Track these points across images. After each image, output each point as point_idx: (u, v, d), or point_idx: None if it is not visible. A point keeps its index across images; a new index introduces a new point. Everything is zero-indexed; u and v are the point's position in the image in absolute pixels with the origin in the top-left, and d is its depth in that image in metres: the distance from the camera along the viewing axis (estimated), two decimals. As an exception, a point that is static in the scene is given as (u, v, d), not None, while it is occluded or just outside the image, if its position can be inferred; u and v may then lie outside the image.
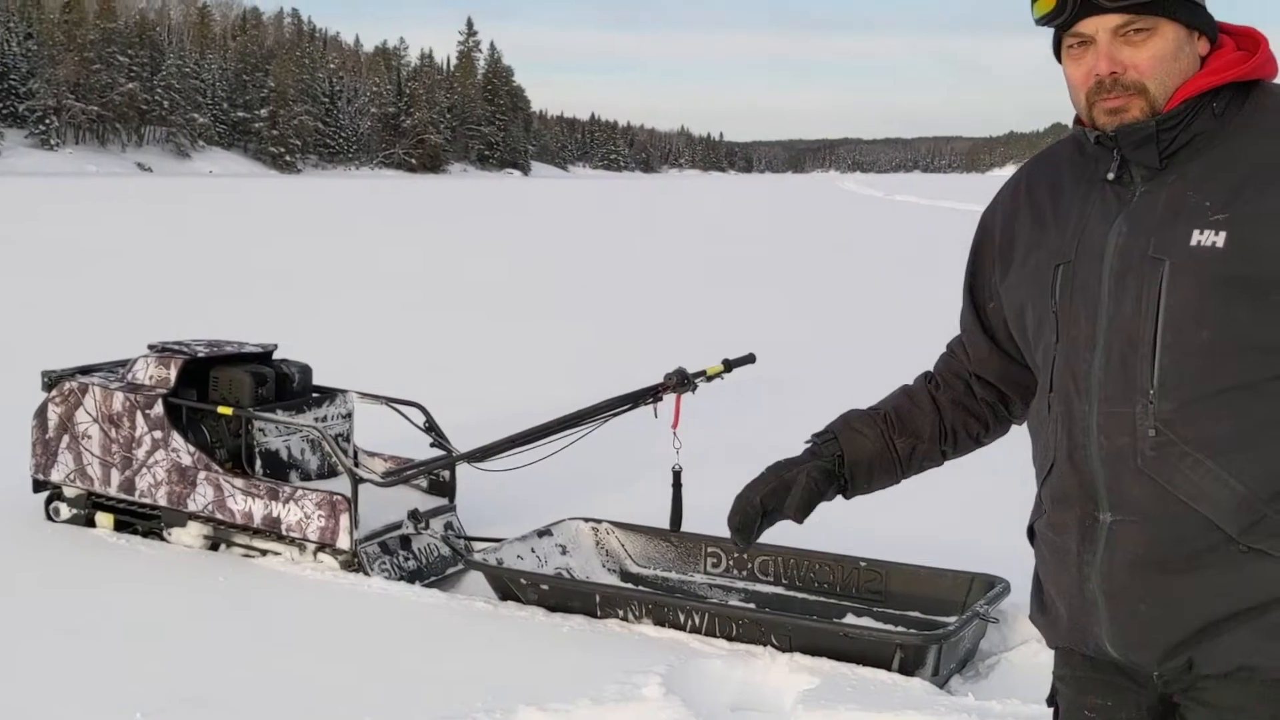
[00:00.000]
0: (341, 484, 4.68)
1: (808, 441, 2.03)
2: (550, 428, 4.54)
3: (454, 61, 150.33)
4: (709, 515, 4.67)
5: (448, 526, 4.85)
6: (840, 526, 5.12)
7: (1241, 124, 1.64)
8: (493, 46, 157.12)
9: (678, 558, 4.67)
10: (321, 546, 4.57)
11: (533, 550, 4.55)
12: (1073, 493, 1.71)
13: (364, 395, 5.21)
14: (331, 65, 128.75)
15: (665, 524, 4.38)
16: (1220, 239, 1.58)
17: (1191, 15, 1.63)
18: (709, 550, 4.62)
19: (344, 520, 4.50)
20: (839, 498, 2.00)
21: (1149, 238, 1.63)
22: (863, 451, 1.98)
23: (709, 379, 4.56)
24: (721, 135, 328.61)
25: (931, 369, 2.05)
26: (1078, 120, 1.73)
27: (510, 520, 5.00)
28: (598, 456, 5.25)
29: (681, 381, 4.42)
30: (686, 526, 4.40)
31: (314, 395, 5.06)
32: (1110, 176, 1.68)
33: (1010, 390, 1.95)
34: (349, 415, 5.13)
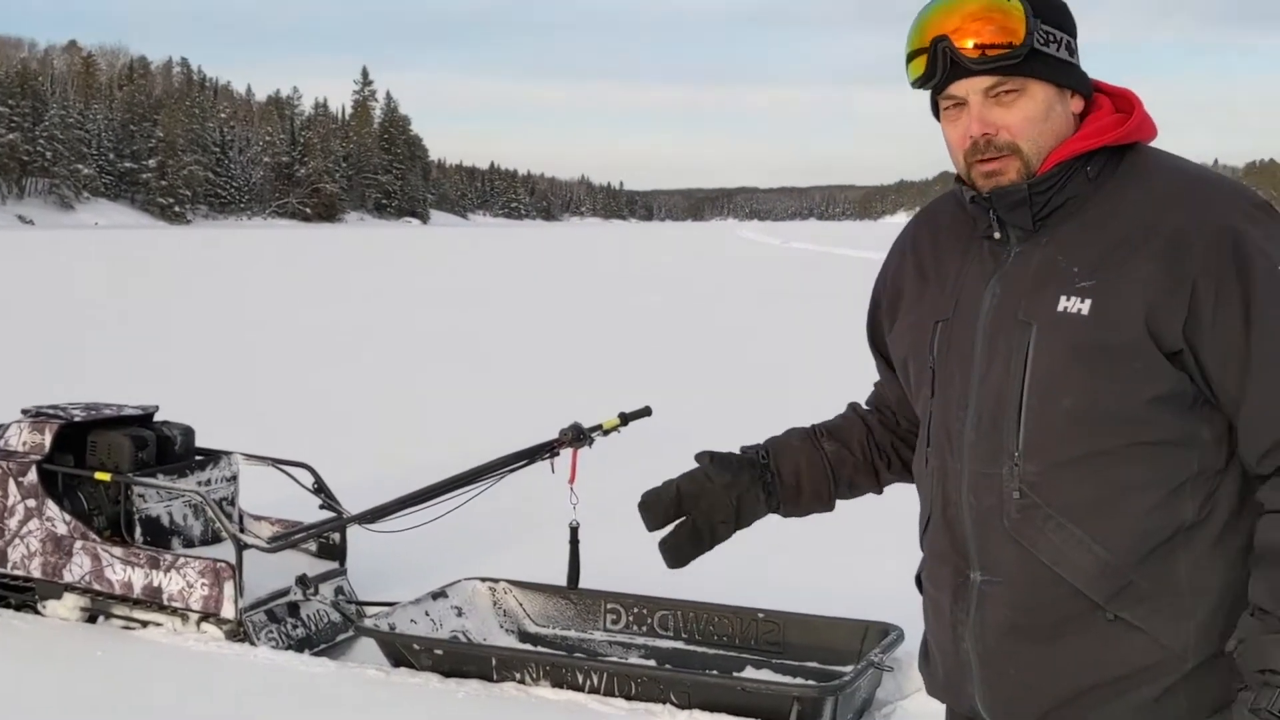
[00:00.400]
0: (226, 550, 4.52)
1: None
2: (444, 486, 4.45)
3: (349, 110, 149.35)
4: (608, 571, 4.63)
5: (338, 591, 4.71)
6: (740, 577, 5.09)
7: (1114, 188, 1.65)
8: (389, 95, 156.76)
9: (577, 615, 4.59)
10: (205, 616, 4.41)
11: (427, 613, 4.43)
12: (946, 550, 1.72)
13: (249, 457, 5.05)
14: (223, 114, 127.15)
15: (564, 581, 4.31)
16: (1085, 306, 1.59)
17: (1061, 75, 1.64)
18: (608, 606, 4.55)
19: (228, 588, 4.34)
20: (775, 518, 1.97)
21: (1020, 300, 1.64)
22: (791, 456, 1.94)
23: (605, 433, 4.52)
24: (622, 184, 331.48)
25: (859, 401, 2.05)
26: (958, 179, 1.73)
27: (404, 582, 4.87)
28: (495, 514, 5.17)
29: (577, 436, 4.38)
30: (586, 582, 4.34)
31: (197, 458, 4.90)
32: (991, 235, 1.69)
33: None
34: (234, 478, 4.97)
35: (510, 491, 4.78)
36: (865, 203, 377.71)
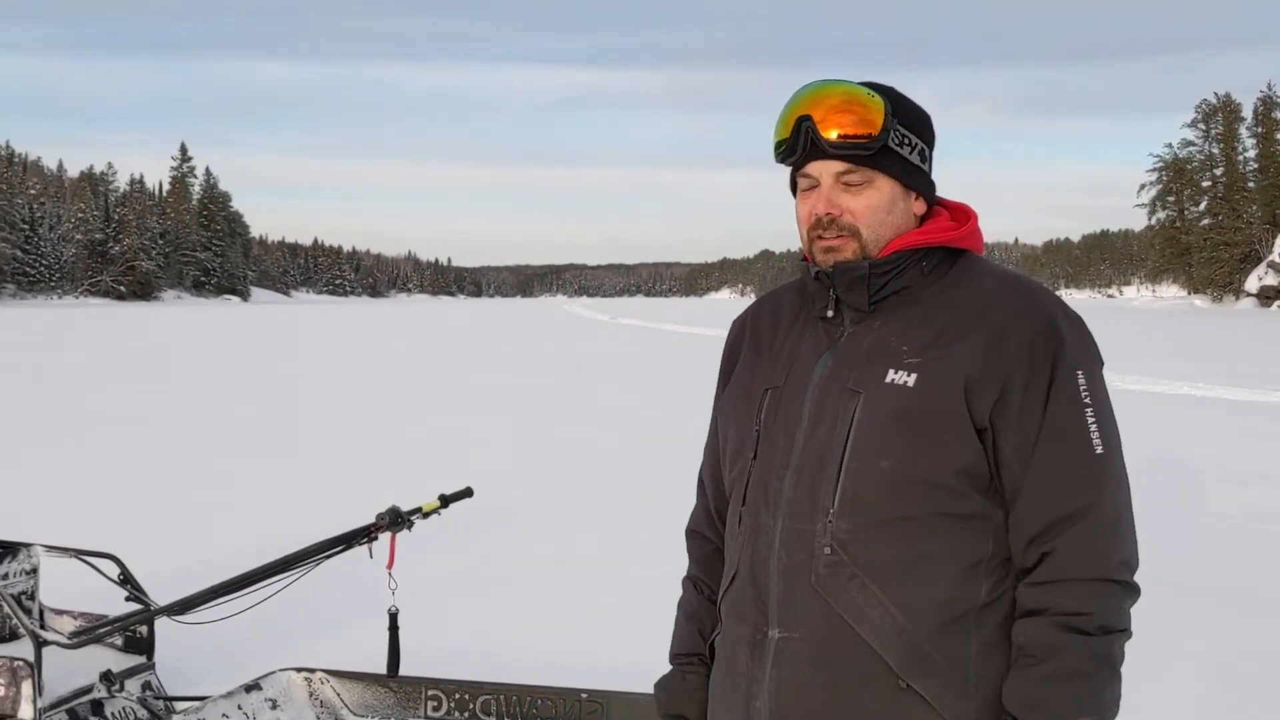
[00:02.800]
0: (24, 648, 4.30)
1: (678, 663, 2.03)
2: (258, 574, 4.32)
3: (167, 187, 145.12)
4: (428, 656, 4.58)
5: (145, 686, 4.52)
6: (565, 658, 5.08)
7: (945, 286, 1.78)
8: (208, 172, 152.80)
9: (397, 703, 4.50)
10: (1, 718, 4.17)
11: (240, 707, 4.29)
12: (748, 608, 1.78)
13: (50, 548, 4.83)
14: (32, 191, 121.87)
15: (384, 669, 4.24)
16: (911, 379, 1.70)
17: (908, 176, 1.78)
18: (430, 693, 4.48)
19: (25, 688, 4.12)
20: None
21: (850, 372, 1.74)
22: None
23: (425, 515, 4.48)
24: (450, 260, 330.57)
25: (690, 572, 2.05)
26: (803, 256, 1.86)
27: (217, 675, 4.71)
28: (312, 601, 5.05)
29: (395, 520, 4.32)
30: (407, 668, 4.27)
31: (-7, 551, 4.66)
32: (828, 314, 1.80)
33: None
34: (34, 571, 4.74)
35: (325, 578, 4.69)
36: (690, 279, 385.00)
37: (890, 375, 1.71)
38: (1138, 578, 1.71)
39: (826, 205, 1.75)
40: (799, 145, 1.75)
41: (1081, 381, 1.69)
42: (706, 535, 2.02)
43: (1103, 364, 1.76)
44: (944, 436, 1.68)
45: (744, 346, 1.94)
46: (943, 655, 1.67)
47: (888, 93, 1.77)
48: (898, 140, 1.74)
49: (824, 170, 1.75)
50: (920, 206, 1.81)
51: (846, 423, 1.71)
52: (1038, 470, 1.67)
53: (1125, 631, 1.68)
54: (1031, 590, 1.68)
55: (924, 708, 1.67)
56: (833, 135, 1.72)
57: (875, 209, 1.75)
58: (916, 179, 1.79)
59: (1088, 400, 1.69)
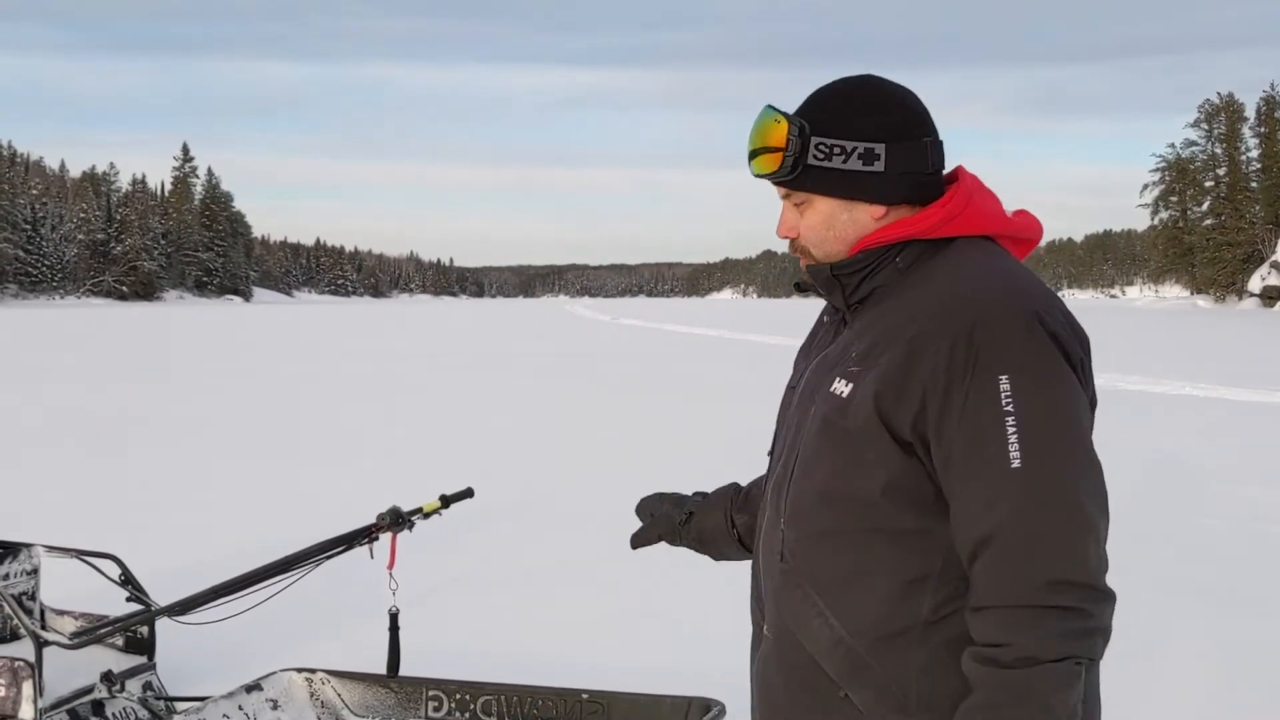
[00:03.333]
0: (24, 648, 4.30)
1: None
2: (259, 574, 4.32)
3: (169, 187, 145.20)
4: (429, 656, 4.58)
5: (146, 687, 4.53)
6: (567, 658, 5.08)
7: (914, 282, 1.67)
8: (210, 172, 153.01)
9: (398, 704, 4.51)
10: (2, 719, 4.17)
11: (240, 707, 4.29)
12: (754, 601, 1.86)
13: (51, 549, 4.83)
14: (34, 191, 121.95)
15: (384, 669, 4.23)
16: (846, 390, 1.66)
17: (846, 188, 1.69)
18: (430, 694, 4.48)
19: (26, 688, 4.13)
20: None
21: (819, 379, 1.75)
22: (709, 526, 2.12)
23: (426, 516, 4.48)
24: (452, 260, 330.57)
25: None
26: None
27: (218, 675, 4.72)
28: (313, 601, 5.05)
29: (396, 521, 4.32)
30: (407, 669, 4.26)
31: (-6, 551, 4.66)
32: (839, 317, 1.82)
33: None
34: (34, 571, 4.75)
35: (326, 578, 4.69)
36: (692, 279, 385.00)
37: (834, 384, 1.68)
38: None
39: (783, 229, 1.78)
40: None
41: (1005, 388, 1.53)
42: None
43: (1059, 365, 1.57)
44: (865, 455, 1.62)
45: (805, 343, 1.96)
46: (882, 669, 1.62)
47: (810, 105, 1.70)
48: (823, 154, 1.67)
49: (778, 192, 1.78)
50: (878, 210, 1.70)
51: (800, 432, 1.74)
52: (955, 488, 1.56)
53: (1066, 661, 1.50)
54: (968, 616, 1.57)
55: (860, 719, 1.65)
56: (756, 170, 1.73)
57: (815, 228, 1.73)
58: (859, 188, 1.68)
59: (1009, 409, 1.52)
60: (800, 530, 1.70)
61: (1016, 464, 1.51)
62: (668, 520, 2.15)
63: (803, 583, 1.69)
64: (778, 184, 1.74)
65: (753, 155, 1.72)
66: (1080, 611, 1.51)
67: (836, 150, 1.67)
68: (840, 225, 1.72)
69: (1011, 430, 1.52)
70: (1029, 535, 1.51)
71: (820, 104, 1.70)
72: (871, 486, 1.62)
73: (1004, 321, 1.56)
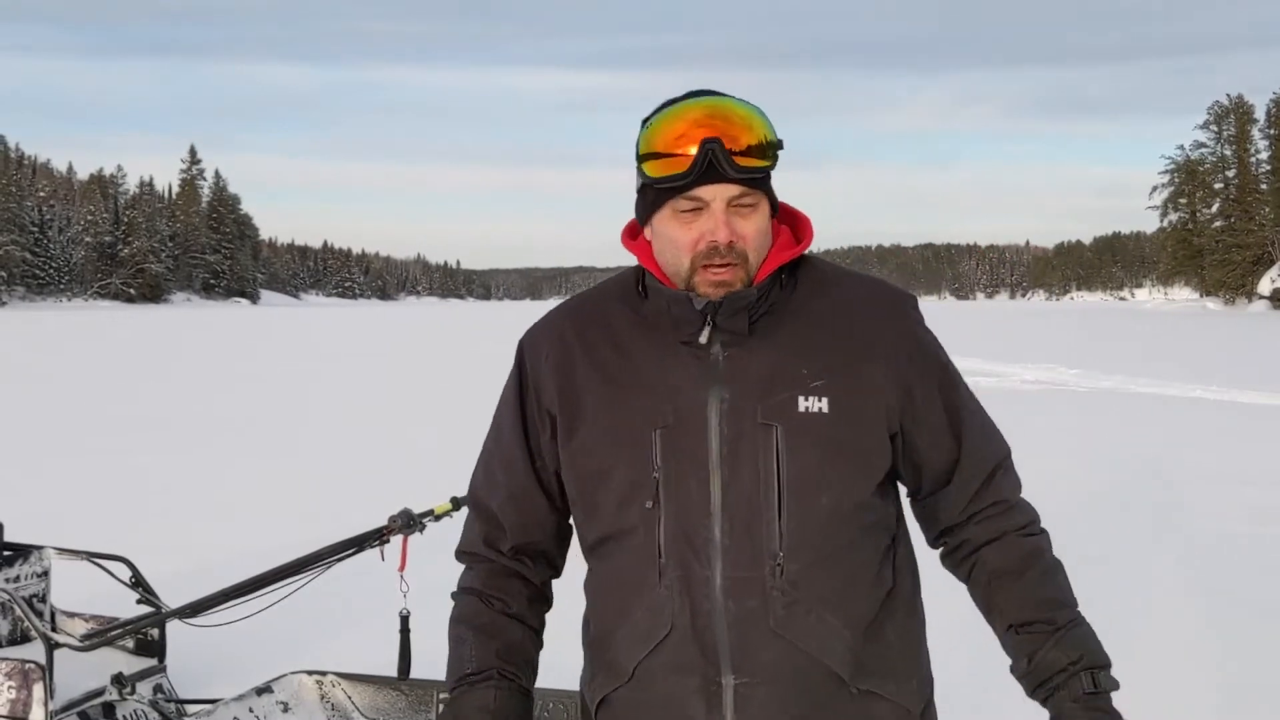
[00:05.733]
0: (35, 650, 4.30)
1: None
2: (270, 576, 4.31)
3: (176, 189, 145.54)
4: (439, 660, 4.56)
5: (157, 689, 4.52)
6: (575, 662, 5.06)
7: (804, 295, 1.74)
8: (217, 174, 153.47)
9: (409, 706, 4.50)
10: (12, 721, 4.17)
11: (251, 710, 4.28)
12: (694, 660, 1.67)
13: (62, 551, 4.83)
14: (42, 193, 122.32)
15: (394, 672, 4.22)
16: (824, 404, 1.66)
17: (772, 195, 1.71)
18: (440, 696, 4.47)
19: (37, 690, 4.12)
20: None
21: (755, 404, 1.66)
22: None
23: (437, 518, 4.47)
24: (459, 263, 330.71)
25: (473, 586, 1.90)
26: (642, 280, 1.78)
27: (227, 678, 4.71)
28: (323, 604, 5.05)
29: (408, 523, 4.32)
30: (417, 672, 4.25)
31: (5, 554, 4.66)
32: (700, 340, 1.68)
33: (558, 547, 1.91)
34: (45, 574, 4.74)
35: (337, 581, 4.68)
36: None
37: (802, 404, 1.65)
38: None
39: (728, 232, 1.63)
40: (698, 167, 1.61)
41: (943, 353, 1.82)
42: (488, 556, 1.88)
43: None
44: (871, 459, 1.71)
45: (578, 373, 1.75)
46: (872, 652, 1.70)
47: (743, 108, 1.69)
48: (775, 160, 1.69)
49: (718, 194, 1.63)
50: (774, 222, 1.75)
51: (771, 463, 1.64)
52: (969, 440, 1.79)
53: None
54: (984, 525, 1.80)
55: (880, 703, 1.71)
56: (742, 159, 1.62)
57: (762, 231, 1.68)
58: (773, 196, 1.71)
59: (953, 367, 1.83)
60: (807, 559, 1.65)
61: (974, 403, 1.84)
62: None
63: (815, 607, 1.66)
64: (745, 180, 1.64)
65: (720, 143, 1.61)
66: None
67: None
68: (767, 232, 1.70)
69: (961, 381, 1.83)
70: (1006, 450, 1.85)
71: (749, 108, 1.67)
72: (871, 488, 1.72)
73: (913, 305, 1.82)
